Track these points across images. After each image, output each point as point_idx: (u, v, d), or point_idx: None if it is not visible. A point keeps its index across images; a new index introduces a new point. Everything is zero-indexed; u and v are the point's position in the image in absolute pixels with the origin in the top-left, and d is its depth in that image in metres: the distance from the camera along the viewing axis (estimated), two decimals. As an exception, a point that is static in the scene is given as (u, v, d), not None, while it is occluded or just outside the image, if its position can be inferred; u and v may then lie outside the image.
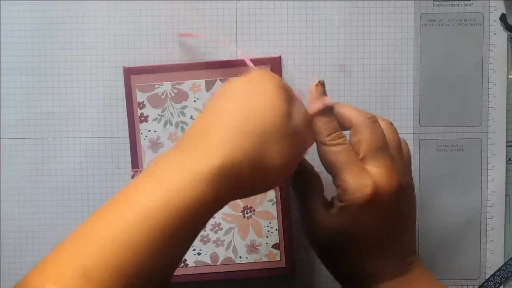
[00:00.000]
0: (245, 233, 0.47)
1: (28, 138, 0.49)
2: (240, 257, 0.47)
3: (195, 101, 0.47)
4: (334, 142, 0.37)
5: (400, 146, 0.39)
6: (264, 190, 0.36)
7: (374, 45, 0.49)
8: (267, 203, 0.47)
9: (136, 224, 0.28)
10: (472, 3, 0.48)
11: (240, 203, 0.47)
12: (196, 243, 0.47)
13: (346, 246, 0.38)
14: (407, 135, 0.49)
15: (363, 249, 0.38)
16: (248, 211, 0.47)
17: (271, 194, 0.47)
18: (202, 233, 0.47)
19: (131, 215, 0.28)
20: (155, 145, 0.47)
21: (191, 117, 0.47)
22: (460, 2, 0.48)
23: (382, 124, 0.38)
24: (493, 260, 0.49)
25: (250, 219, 0.47)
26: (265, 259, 0.47)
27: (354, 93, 0.49)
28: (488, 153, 0.49)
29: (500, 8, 0.48)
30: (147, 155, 0.47)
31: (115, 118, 0.49)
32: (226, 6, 0.48)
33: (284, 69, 0.48)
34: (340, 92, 0.49)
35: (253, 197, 0.46)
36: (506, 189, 0.49)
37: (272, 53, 0.48)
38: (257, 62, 0.46)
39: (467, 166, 0.49)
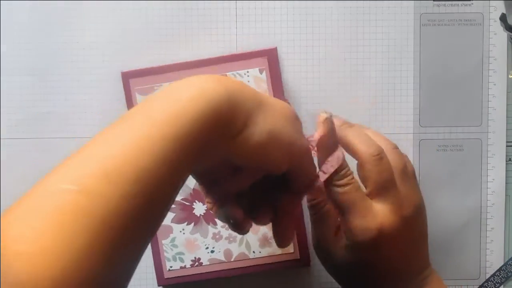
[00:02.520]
0: (256, 227, 0.47)
1: (28, 138, 0.49)
2: (254, 251, 0.47)
3: None
4: (341, 182, 0.38)
5: (405, 168, 0.40)
6: (254, 162, 0.34)
7: (374, 45, 0.49)
8: None
9: (152, 133, 0.29)
10: (472, 3, 0.48)
11: None
12: (209, 240, 0.47)
13: (360, 274, 0.39)
14: (407, 135, 0.49)
15: (378, 276, 0.39)
16: None
17: None
18: (213, 230, 0.47)
19: (148, 125, 0.29)
20: None
21: None
22: (460, 2, 0.48)
23: (388, 152, 0.39)
24: (493, 260, 0.49)
25: None
26: (278, 252, 0.47)
27: (354, 93, 0.49)
28: (488, 153, 0.49)
29: (500, 8, 0.48)
30: None
31: (115, 118, 0.49)
32: (226, 6, 0.48)
33: (284, 69, 0.48)
34: (340, 92, 0.49)
35: None
36: (506, 189, 0.49)
37: (272, 53, 0.48)
38: (254, 54, 0.47)
39: (467, 166, 0.49)
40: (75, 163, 0.28)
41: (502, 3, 0.48)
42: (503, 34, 0.48)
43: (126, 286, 0.29)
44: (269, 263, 0.47)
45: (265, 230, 0.47)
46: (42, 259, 0.24)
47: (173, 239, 0.47)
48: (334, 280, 0.41)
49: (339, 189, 0.38)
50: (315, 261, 0.48)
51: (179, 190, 0.32)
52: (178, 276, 0.47)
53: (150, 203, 0.28)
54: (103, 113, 0.49)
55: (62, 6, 0.48)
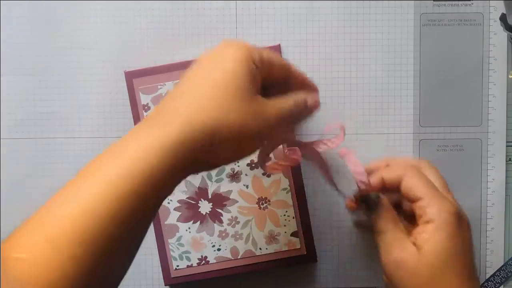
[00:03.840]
0: (262, 224, 0.47)
1: (28, 138, 0.49)
2: (260, 248, 0.47)
3: None
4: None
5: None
6: (228, 160, 0.35)
7: (374, 45, 0.49)
8: (281, 192, 0.47)
9: (98, 193, 0.29)
10: (472, 3, 0.48)
11: (254, 195, 0.47)
12: (215, 239, 0.47)
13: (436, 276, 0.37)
14: (407, 135, 0.49)
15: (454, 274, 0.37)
16: (263, 202, 0.47)
17: (285, 182, 0.47)
18: (219, 228, 0.47)
19: (95, 185, 0.30)
20: None
21: None
22: (460, 2, 0.48)
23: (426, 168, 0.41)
24: (493, 260, 0.49)
25: (266, 209, 0.47)
26: (285, 248, 0.47)
27: (354, 93, 0.49)
28: (488, 153, 0.49)
29: (500, 8, 0.48)
30: None
31: (115, 118, 0.49)
32: (226, 6, 0.48)
33: (284, 69, 0.48)
34: (340, 92, 0.49)
35: (267, 187, 0.47)
36: (506, 189, 0.49)
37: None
38: None
39: (467, 166, 0.49)
40: (28, 229, 0.30)
41: (502, 3, 0.48)
42: (503, 34, 0.48)
43: None
44: (275, 260, 0.47)
45: (271, 227, 0.47)
46: None
47: (179, 238, 0.47)
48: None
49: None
50: (322, 256, 0.48)
51: (148, 225, 0.32)
52: (185, 275, 0.47)
53: (103, 262, 0.29)
54: (104, 113, 0.49)
55: (62, 6, 0.48)
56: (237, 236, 0.47)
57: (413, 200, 0.39)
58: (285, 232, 0.47)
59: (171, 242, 0.47)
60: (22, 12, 0.48)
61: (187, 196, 0.47)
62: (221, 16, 0.48)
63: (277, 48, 0.47)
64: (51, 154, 0.49)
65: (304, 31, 0.49)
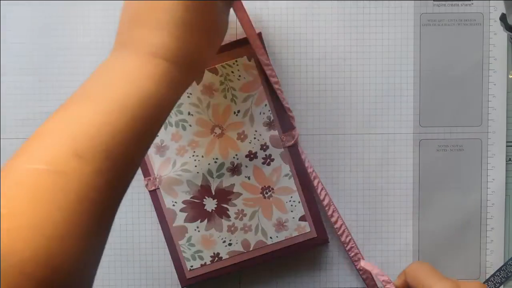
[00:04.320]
0: (269, 213, 0.47)
1: (28, 138, 0.49)
2: (271, 237, 0.47)
3: (188, 96, 0.47)
4: None
5: None
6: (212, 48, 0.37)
7: (374, 45, 0.49)
8: (283, 178, 0.47)
9: (116, 114, 0.30)
10: (472, 3, 0.48)
11: (257, 185, 0.47)
12: (225, 234, 0.47)
13: None
14: (407, 135, 0.49)
15: None
16: (267, 190, 0.47)
17: (285, 168, 0.47)
18: (227, 223, 0.47)
19: (110, 107, 0.31)
20: (161, 149, 0.47)
21: (189, 113, 0.47)
22: (460, 2, 0.48)
23: None
24: (493, 260, 0.49)
25: (271, 198, 0.47)
26: (295, 234, 0.47)
27: (354, 93, 0.49)
28: (488, 153, 0.49)
29: (500, 8, 0.48)
30: (155, 161, 0.47)
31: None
32: (226, 6, 0.48)
33: (283, 69, 0.48)
34: (339, 92, 0.49)
35: (268, 176, 0.47)
36: (506, 189, 0.49)
37: (272, 57, 0.48)
38: (240, 42, 0.47)
39: (467, 166, 0.49)
40: (46, 143, 0.29)
41: (502, 3, 0.48)
42: (503, 34, 0.48)
43: (97, 267, 0.30)
44: (288, 247, 0.47)
45: (279, 215, 0.47)
46: (21, 234, 0.25)
47: (189, 239, 0.47)
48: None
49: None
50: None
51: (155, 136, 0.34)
52: (200, 274, 0.47)
53: (122, 174, 0.30)
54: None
55: (62, 6, 0.48)
56: (246, 229, 0.47)
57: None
58: (293, 217, 0.47)
59: (182, 244, 0.47)
60: (22, 12, 0.48)
61: (191, 196, 0.47)
62: (221, 16, 0.48)
63: (259, 36, 0.47)
64: (51, 154, 0.49)
65: (304, 31, 0.49)
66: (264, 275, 0.49)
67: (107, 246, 0.31)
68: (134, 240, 0.49)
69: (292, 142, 0.47)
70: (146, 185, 0.47)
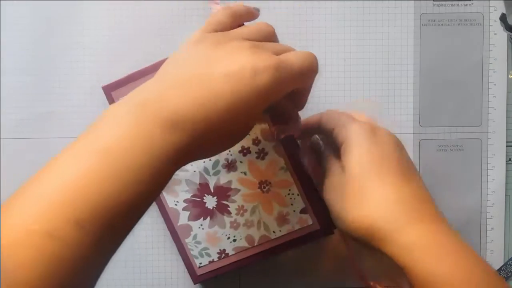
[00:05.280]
0: (269, 208, 0.47)
1: (28, 138, 0.49)
2: (274, 232, 0.47)
3: None
4: None
5: None
6: (222, 147, 0.35)
7: (374, 45, 0.49)
8: (279, 171, 0.47)
9: (116, 178, 0.29)
10: (472, 3, 0.48)
11: (254, 180, 0.47)
12: (228, 230, 0.47)
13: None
14: (407, 135, 0.49)
15: None
16: (265, 185, 0.47)
17: (280, 162, 0.47)
18: (229, 219, 0.47)
19: (111, 170, 0.29)
20: None
21: None
22: (460, 2, 0.48)
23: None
24: (493, 260, 0.49)
25: (269, 192, 0.47)
26: (297, 227, 0.47)
27: (354, 93, 0.49)
28: (488, 153, 0.49)
29: (500, 8, 0.48)
30: None
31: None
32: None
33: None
34: (339, 92, 0.49)
35: (264, 170, 0.47)
36: (506, 189, 0.49)
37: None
38: None
39: (467, 166, 0.49)
40: (44, 204, 0.28)
41: (502, 3, 0.48)
42: (503, 34, 0.48)
43: None
44: (292, 240, 0.47)
45: (279, 209, 0.47)
46: None
47: (194, 236, 0.47)
48: (359, 247, 0.42)
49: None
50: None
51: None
52: (210, 271, 0.48)
53: (119, 243, 0.30)
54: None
55: (62, 6, 0.48)
56: (249, 224, 0.47)
57: (330, 133, 0.41)
58: (294, 210, 0.47)
59: (188, 242, 0.47)
60: (22, 12, 0.48)
61: (191, 194, 0.47)
62: (221, 16, 0.48)
63: None
64: (50, 154, 0.49)
65: (304, 31, 0.49)
66: (264, 276, 0.49)
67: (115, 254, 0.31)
68: (140, 245, 0.49)
69: (284, 134, 0.47)
70: None
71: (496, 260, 0.49)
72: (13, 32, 0.48)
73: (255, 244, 0.47)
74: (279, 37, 0.49)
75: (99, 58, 0.49)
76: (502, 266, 0.49)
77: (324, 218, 0.47)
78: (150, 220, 0.49)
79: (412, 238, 0.35)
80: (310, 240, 0.47)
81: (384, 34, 0.49)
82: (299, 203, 0.47)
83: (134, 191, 0.29)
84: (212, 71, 0.32)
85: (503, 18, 0.47)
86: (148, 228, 0.49)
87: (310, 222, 0.47)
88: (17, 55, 0.48)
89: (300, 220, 0.47)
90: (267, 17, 0.48)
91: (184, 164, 0.33)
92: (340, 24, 0.49)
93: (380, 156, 0.38)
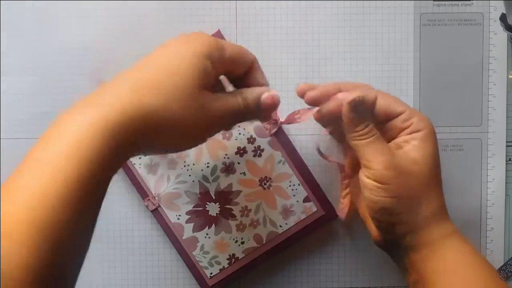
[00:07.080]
0: (273, 203, 0.47)
1: (28, 138, 0.49)
2: (280, 226, 0.47)
3: None
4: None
5: None
6: (168, 147, 0.36)
7: (374, 45, 0.49)
8: (277, 165, 0.47)
9: (49, 179, 0.30)
10: (472, 3, 0.48)
11: (254, 178, 0.47)
12: (235, 234, 0.47)
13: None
14: (407, 135, 0.49)
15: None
16: (265, 181, 0.47)
17: (278, 156, 0.47)
18: (235, 222, 0.47)
19: (45, 171, 0.30)
20: (152, 167, 0.47)
21: None
22: (460, 2, 0.48)
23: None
24: (493, 260, 0.49)
25: (270, 187, 0.47)
26: (303, 216, 0.47)
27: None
28: (488, 153, 0.49)
29: (500, 8, 0.48)
30: (149, 180, 0.47)
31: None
32: (226, 6, 0.48)
33: (283, 69, 0.48)
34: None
35: (263, 166, 0.47)
36: (506, 189, 0.49)
37: (273, 57, 0.48)
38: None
39: (467, 166, 0.49)
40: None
41: (502, 3, 0.48)
42: (503, 34, 0.48)
43: None
44: (300, 230, 0.47)
45: (283, 202, 0.47)
46: None
47: (202, 247, 0.47)
48: (365, 227, 0.43)
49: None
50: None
51: (98, 208, 0.32)
52: (222, 279, 0.47)
53: (57, 247, 0.29)
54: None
55: (62, 6, 0.48)
56: (255, 223, 0.47)
57: (393, 115, 0.40)
58: (297, 201, 0.47)
59: (196, 254, 0.47)
60: (22, 12, 0.48)
61: (193, 205, 0.47)
62: (221, 16, 0.48)
63: (218, 34, 0.47)
64: (51, 154, 0.49)
65: (304, 31, 0.49)
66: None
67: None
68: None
69: (277, 128, 0.47)
70: (147, 206, 0.47)
71: (496, 260, 0.49)
72: (13, 32, 0.48)
73: (264, 242, 0.47)
74: (279, 37, 0.49)
75: (99, 58, 0.49)
76: (502, 266, 0.49)
77: (328, 203, 0.47)
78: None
79: (449, 254, 0.39)
80: (317, 228, 0.47)
81: (384, 34, 0.49)
82: (302, 193, 0.47)
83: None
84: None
85: (503, 18, 0.47)
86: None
87: (315, 209, 0.47)
88: (17, 55, 0.48)
89: (305, 209, 0.47)
90: (267, 17, 0.48)
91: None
92: (340, 24, 0.49)
93: (438, 160, 0.41)
